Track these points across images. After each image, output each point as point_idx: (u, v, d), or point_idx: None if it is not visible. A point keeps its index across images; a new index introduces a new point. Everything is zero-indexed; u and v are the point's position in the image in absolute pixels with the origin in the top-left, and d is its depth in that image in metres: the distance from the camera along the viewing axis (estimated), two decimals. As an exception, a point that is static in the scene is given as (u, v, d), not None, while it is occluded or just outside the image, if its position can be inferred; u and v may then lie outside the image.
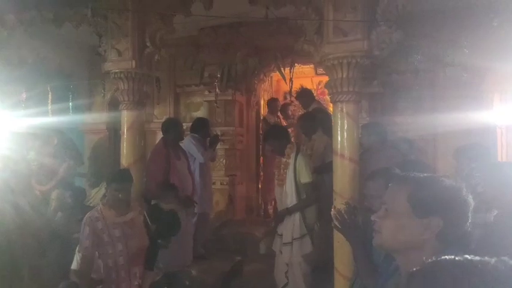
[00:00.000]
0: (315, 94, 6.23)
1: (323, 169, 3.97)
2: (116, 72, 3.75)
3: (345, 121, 3.05)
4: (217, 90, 5.12)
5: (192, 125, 4.84)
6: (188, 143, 4.58)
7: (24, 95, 4.99)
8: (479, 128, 4.16)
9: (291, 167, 3.59)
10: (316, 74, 6.06)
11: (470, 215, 1.16)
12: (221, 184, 5.49)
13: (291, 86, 5.15)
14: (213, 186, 5.22)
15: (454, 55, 4.43)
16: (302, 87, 5.21)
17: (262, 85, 6.26)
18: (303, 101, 5.23)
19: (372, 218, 1.26)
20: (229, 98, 5.43)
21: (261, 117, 6.17)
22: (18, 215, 2.61)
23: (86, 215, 2.87)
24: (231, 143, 5.55)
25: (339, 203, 2.91)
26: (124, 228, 2.85)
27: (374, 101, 4.95)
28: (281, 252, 3.62)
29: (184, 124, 4.97)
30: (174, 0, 3.64)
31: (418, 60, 4.48)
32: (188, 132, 4.76)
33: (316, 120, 4.38)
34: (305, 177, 3.55)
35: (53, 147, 5.14)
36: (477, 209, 2.31)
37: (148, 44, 3.76)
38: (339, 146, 3.06)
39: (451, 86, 4.58)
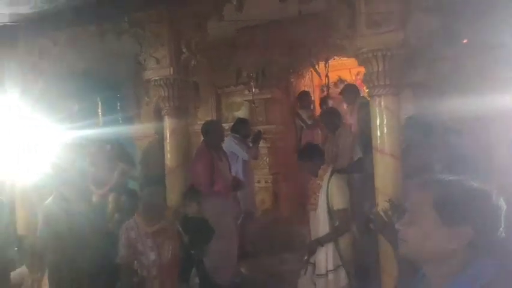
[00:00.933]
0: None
1: (351, 169, 3.75)
2: (156, 80, 3.88)
3: (384, 115, 2.94)
4: (253, 90, 5.15)
5: (233, 125, 4.91)
6: (230, 143, 4.65)
7: (76, 107, 5.34)
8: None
9: (323, 191, 3.21)
10: (359, 64, 5.92)
11: (503, 219, 1.08)
12: (266, 182, 5.52)
13: (328, 81, 5.05)
14: (258, 185, 5.27)
15: (503, 36, 4.10)
16: (347, 82, 5.10)
17: (302, 81, 6.19)
18: (348, 97, 5.04)
19: (397, 226, 1.20)
20: (269, 96, 5.44)
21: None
22: (70, 222, 2.79)
23: (124, 224, 2.92)
24: (273, 141, 5.56)
25: (381, 201, 2.84)
26: (155, 238, 2.82)
27: (419, 90, 4.71)
28: (315, 285, 3.24)
29: (226, 124, 5.06)
30: (207, 6, 3.70)
31: (465, 44, 4.20)
32: (229, 133, 4.84)
33: (339, 115, 4.19)
34: (338, 204, 3.15)
35: (106, 153, 5.47)
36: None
37: (184, 50, 3.86)
38: (378, 142, 2.97)
39: (501, 68, 4.24)
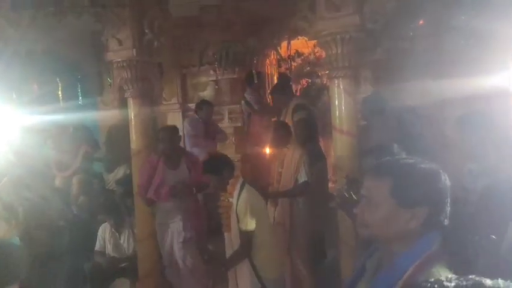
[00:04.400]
0: (312, 58, 6.03)
1: (293, 192, 3.52)
2: (118, 62, 3.82)
3: (342, 96, 3.08)
4: (217, 71, 5.17)
5: (195, 106, 4.97)
6: (186, 125, 4.79)
7: (35, 87, 5.16)
8: (492, 93, 4.01)
9: (233, 210, 2.78)
10: (319, 47, 5.95)
11: (449, 195, 1.18)
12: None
13: (291, 64, 5.11)
14: (224, 164, 5.32)
15: (460, 17, 4.27)
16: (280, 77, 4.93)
17: (267, 60, 6.22)
18: (279, 99, 4.56)
19: (355, 211, 1.25)
20: (234, 76, 5.46)
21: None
22: (33, 210, 2.78)
23: None
24: (239, 120, 5.62)
25: (340, 177, 3.01)
26: None
27: (378, 69, 4.87)
28: None
29: (192, 105, 5.06)
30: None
31: (422, 25, 4.36)
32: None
33: (289, 130, 3.71)
34: (243, 224, 2.70)
35: (69, 136, 5.36)
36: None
37: (146, 31, 3.81)
38: (337, 121, 3.12)
39: (458, 49, 4.42)
